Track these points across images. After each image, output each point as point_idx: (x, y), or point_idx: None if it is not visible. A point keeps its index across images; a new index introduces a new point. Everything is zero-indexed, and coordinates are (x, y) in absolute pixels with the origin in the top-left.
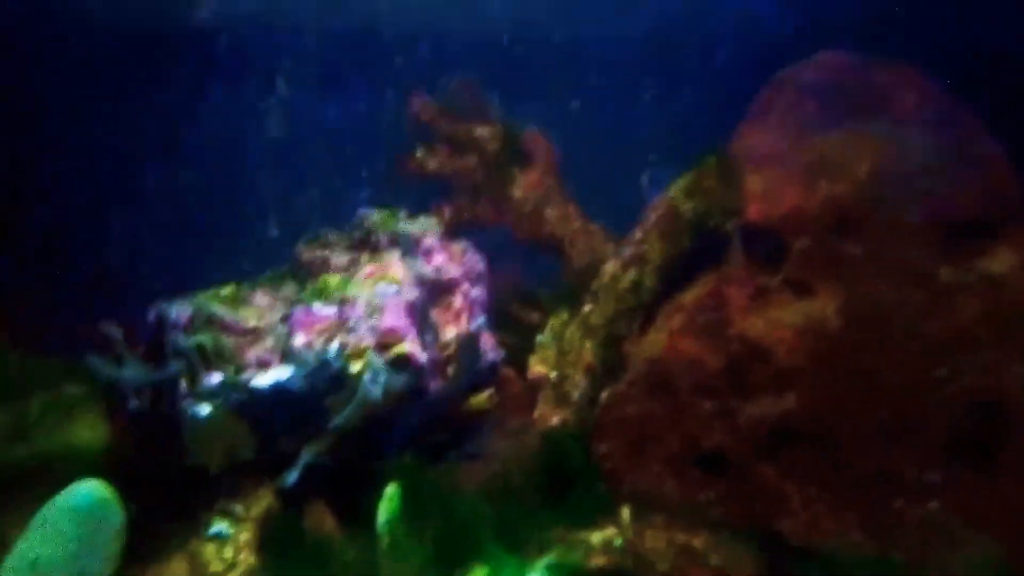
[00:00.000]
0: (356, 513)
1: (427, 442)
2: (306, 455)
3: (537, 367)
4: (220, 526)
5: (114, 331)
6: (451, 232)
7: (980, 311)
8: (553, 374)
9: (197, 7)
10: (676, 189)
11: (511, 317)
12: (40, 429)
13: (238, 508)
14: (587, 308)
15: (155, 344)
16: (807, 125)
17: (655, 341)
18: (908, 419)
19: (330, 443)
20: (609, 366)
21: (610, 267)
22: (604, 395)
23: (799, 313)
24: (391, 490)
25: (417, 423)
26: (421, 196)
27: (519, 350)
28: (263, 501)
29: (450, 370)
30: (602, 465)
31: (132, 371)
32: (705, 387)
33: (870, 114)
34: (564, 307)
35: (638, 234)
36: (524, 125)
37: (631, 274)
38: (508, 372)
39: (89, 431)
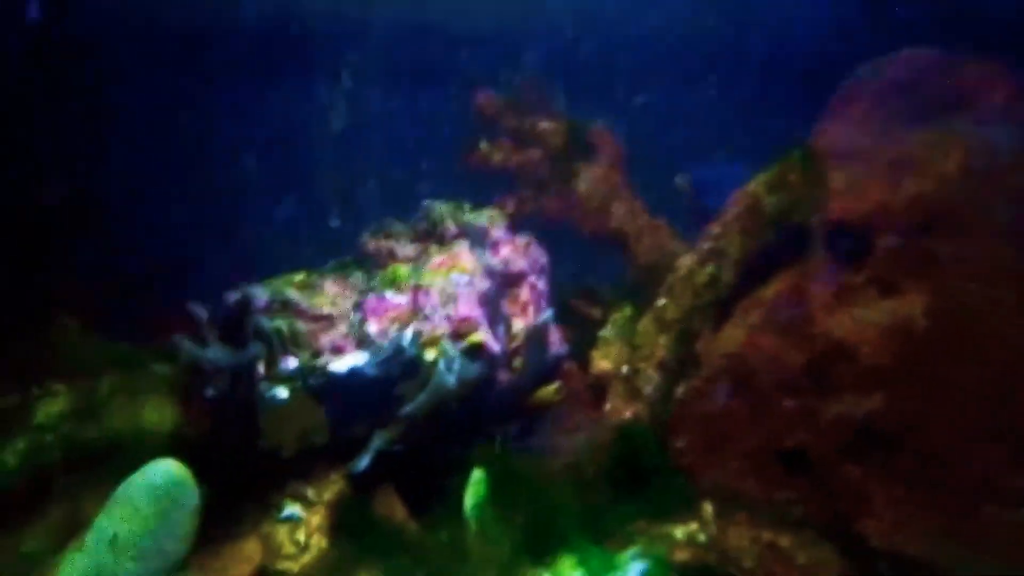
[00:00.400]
0: (426, 500)
1: (494, 432)
2: (377, 441)
3: (601, 362)
4: (292, 509)
5: (199, 311)
6: (514, 225)
7: None
8: (624, 368)
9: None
10: (758, 183)
11: (572, 311)
12: (109, 410)
13: (310, 492)
14: (661, 302)
15: (230, 328)
16: (891, 121)
17: (733, 337)
18: (999, 422)
19: (401, 429)
20: (684, 361)
21: (687, 261)
22: (680, 390)
23: (885, 312)
24: (478, 475)
25: (486, 413)
26: (480, 189)
27: (580, 344)
28: (335, 485)
29: (517, 362)
30: (679, 460)
31: (215, 352)
32: (786, 384)
33: (956, 111)
34: (627, 303)
35: (716, 228)
36: (589, 120)
37: (709, 268)
38: (571, 367)
39: (157, 413)
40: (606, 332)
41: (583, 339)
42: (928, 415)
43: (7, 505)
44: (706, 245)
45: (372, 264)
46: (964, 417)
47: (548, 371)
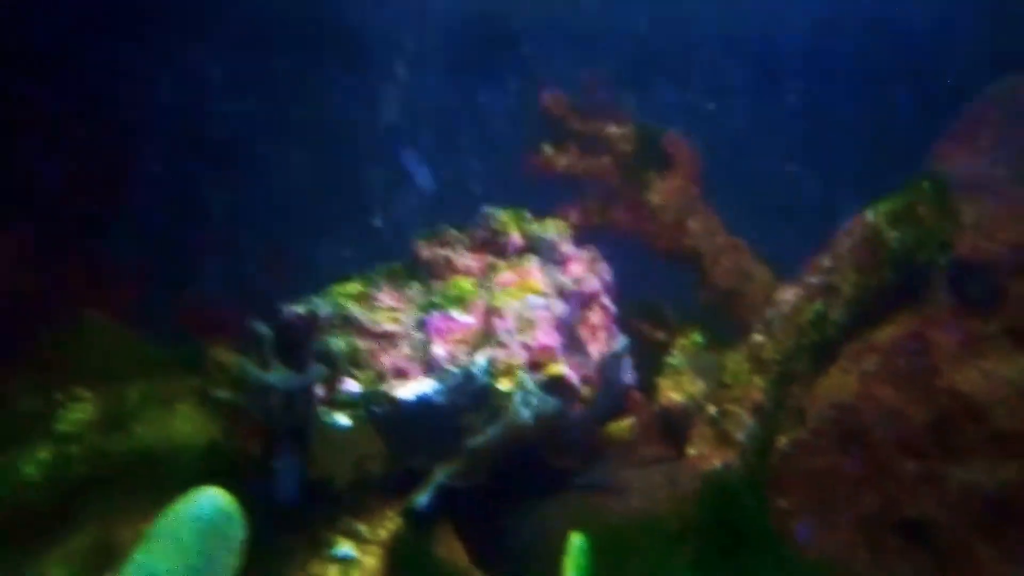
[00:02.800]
0: (488, 542)
1: (557, 467)
2: (440, 475)
3: (670, 393)
4: (345, 548)
5: (264, 330)
6: (577, 238)
7: None
8: (711, 409)
9: None
10: (879, 214)
11: (634, 332)
12: (139, 419)
13: (363, 528)
14: (758, 339)
15: (286, 341)
16: None
17: (842, 384)
18: None
19: (466, 464)
20: (783, 407)
21: (790, 296)
22: (784, 441)
23: (1020, 368)
24: (579, 542)
25: (554, 449)
26: (536, 196)
27: (642, 370)
28: (390, 523)
29: (586, 391)
30: (781, 523)
31: (281, 376)
32: (907, 443)
33: None
34: (696, 328)
35: (827, 261)
36: (663, 126)
37: (816, 306)
38: (636, 395)
39: (190, 423)
40: (674, 359)
41: (646, 364)
42: None
43: (27, 523)
44: (814, 279)
45: (426, 273)
46: None
47: (618, 402)
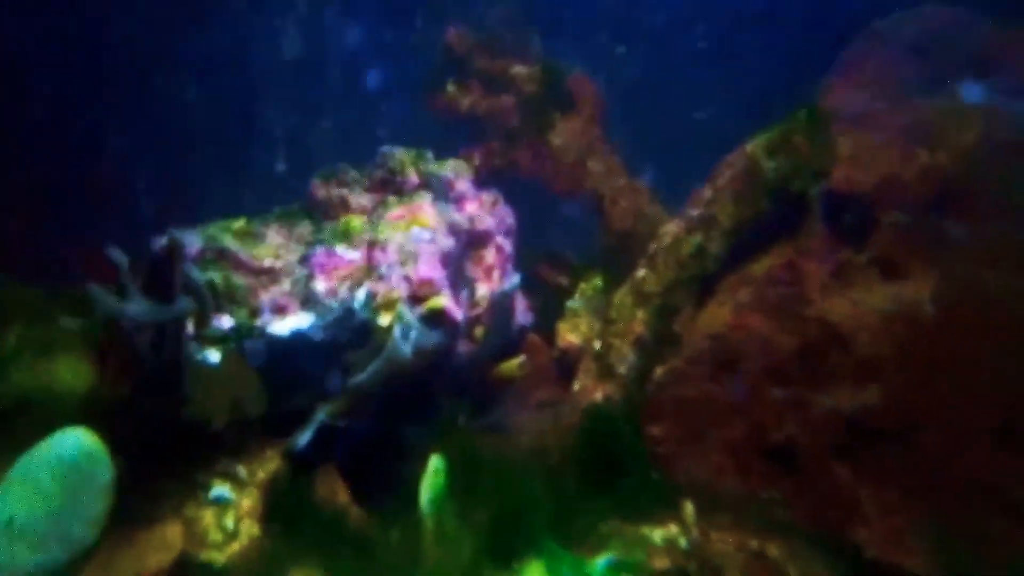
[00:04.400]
0: (372, 484)
1: (450, 408)
2: (320, 415)
3: (569, 336)
4: (221, 490)
5: (119, 257)
6: (480, 179)
7: None
8: (596, 344)
9: None
10: (756, 145)
11: (537, 277)
12: (17, 365)
13: (241, 470)
14: (641, 273)
15: (156, 277)
16: (906, 84)
17: (718, 315)
18: (1012, 424)
19: (348, 403)
20: (663, 339)
21: (671, 228)
22: (659, 371)
23: (888, 297)
24: (437, 463)
25: (442, 386)
26: (443, 136)
27: (545, 314)
28: (269, 464)
29: (479, 331)
30: (655, 449)
31: (138, 306)
32: (776, 371)
33: (976, 77)
34: (598, 272)
35: (707, 192)
36: (568, 66)
37: (696, 238)
38: (535, 339)
39: (71, 371)
40: (574, 303)
41: (548, 308)
42: (931, 413)
43: None
44: (694, 212)
45: (322, 214)
46: (972, 417)
47: (511, 343)
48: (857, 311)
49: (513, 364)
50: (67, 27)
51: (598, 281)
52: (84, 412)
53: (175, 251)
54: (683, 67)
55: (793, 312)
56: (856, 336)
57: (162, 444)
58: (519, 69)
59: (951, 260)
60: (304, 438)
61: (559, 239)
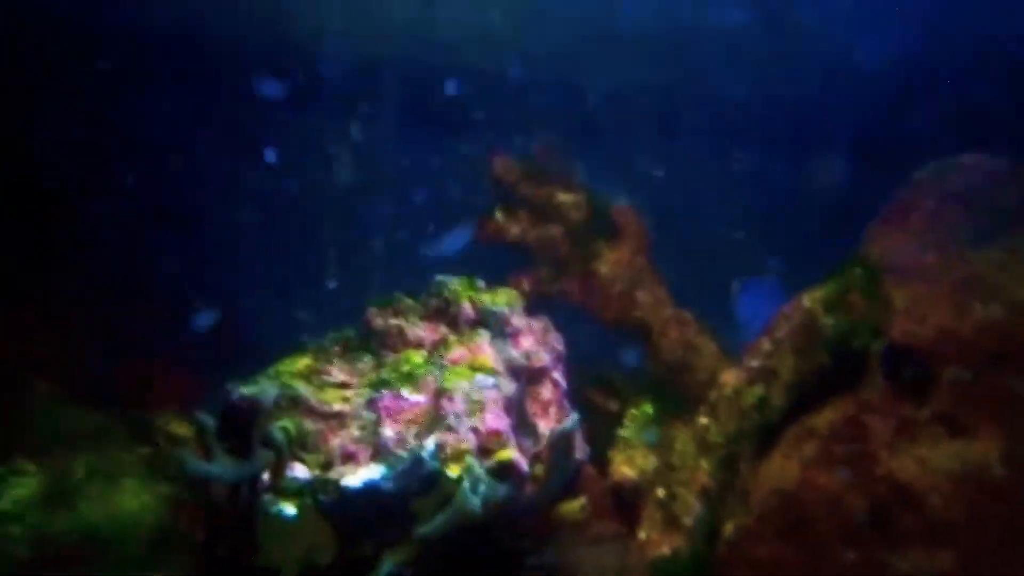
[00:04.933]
0: None
1: (508, 549)
2: (387, 564)
3: (623, 468)
4: None
5: (207, 421)
6: (530, 306)
7: None
8: (660, 492)
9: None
10: (814, 299)
11: (586, 402)
12: (85, 496)
13: None
14: (703, 421)
15: (232, 425)
16: (956, 234)
17: (785, 470)
18: None
19: (415, 551)
20: (729, 491)
21: (732, 378)
22: (729, 529)
23: (955, 456)
24: None
25: (504, 531)
26: (492, 258)
27: (595, 440)
28: None
29: (538, 469)
30: None
31: (223, 467)
32: (848, 533)
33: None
34: (647, 398)
35: (766, 345)
36: (613, 196)
37: (757, 389)
38: (589, 470)
39: (136, 500)
40: (626, 432)
41: (598, 433)
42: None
43: None
44: (754, 363)
45: (379, 343)
46: None
47: (570, 480)
48: (926, 470)
49: (574, 507)
50: (129, 160)
51: (648, 408)
52: (153, 547)
53: (256, 409)
54: (720, 188)
55: (861, 469)
56: (927, 497)
57: None
58: (565, 197)
59: (1017, 418)
60: None
61: (608, 361)
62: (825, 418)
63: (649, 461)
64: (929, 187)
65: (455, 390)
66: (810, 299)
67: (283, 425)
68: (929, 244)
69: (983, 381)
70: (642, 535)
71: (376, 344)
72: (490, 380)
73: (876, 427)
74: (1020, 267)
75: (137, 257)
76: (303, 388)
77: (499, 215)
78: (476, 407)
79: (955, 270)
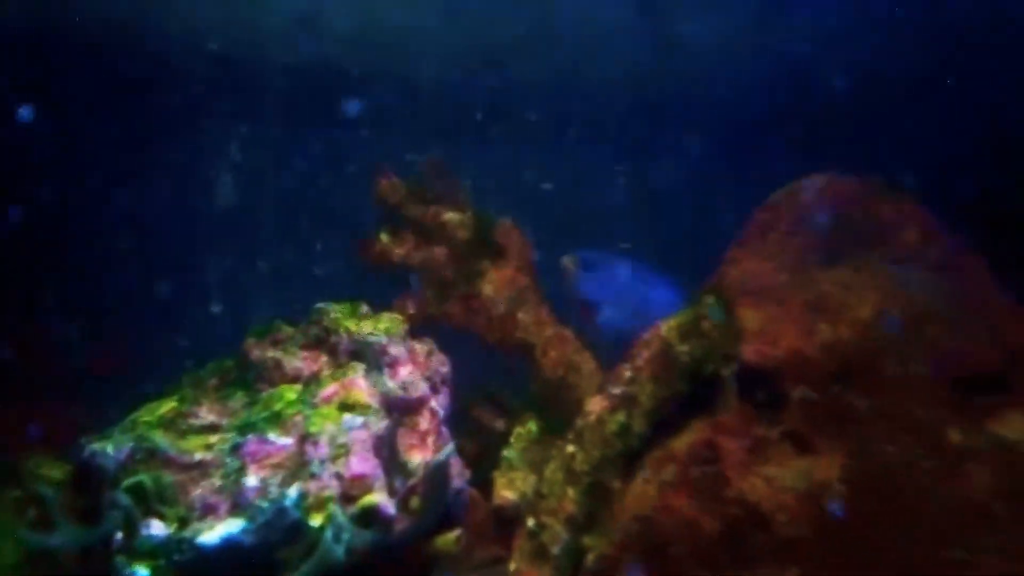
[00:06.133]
0: None
1: None
2: None
3: (504, 491)
4: None
5: (47, 492)
6: (415, 328)
7: (993, 482)
8: (530, 522)
9: None
10: (670, 328)
11: (473, 420)
12: None
13: None
14: (570, 449)
15: (84, 481)
16: (807, 255)
17: (644, 494)
18: None
19: None
20: (594, 518)
21: (596, 406)
22: (591, 558)
23: (801, 475)
24: None
25: (377, 569)
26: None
27: (481, 462)
28: None
29: (413, 502)
30: None
31: (63, 536)
32: (703, 555)
33: (871, 247)
34: (531, 416)
35: (627, 372)
36: (497, 214)
37: (619, 416)
38: (471, 493)
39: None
40: (509, 453)
41: (485, 454)
42: None
43: None
44: (616, 390)
45: (255, 376)
46: None
47: (447, 508)
48: (773, 489)
49: (449, 539)
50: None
51: (532, 425)
52: None
53: (97, 476)
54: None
55: (714, 491)
56: (774, 516)
57: None
58: (451, 216)
59: (856, 436)
60: None
61: (497, 379)
62: (683, 442)
63: (529, 483)
64: (783, 209)
65: (320, 434)
66: (666, 328)
67: (137, 481)
68: (783, 266)
69: (828, 399)
70: (512, 566)
71: (253, 377)
72: (358, 420)
73: (730, 448)
74: (864, 286)
75: (7, 288)
76: (161, 439)
77: (383, 237)
78: (341, 451)
79: (805, 291)
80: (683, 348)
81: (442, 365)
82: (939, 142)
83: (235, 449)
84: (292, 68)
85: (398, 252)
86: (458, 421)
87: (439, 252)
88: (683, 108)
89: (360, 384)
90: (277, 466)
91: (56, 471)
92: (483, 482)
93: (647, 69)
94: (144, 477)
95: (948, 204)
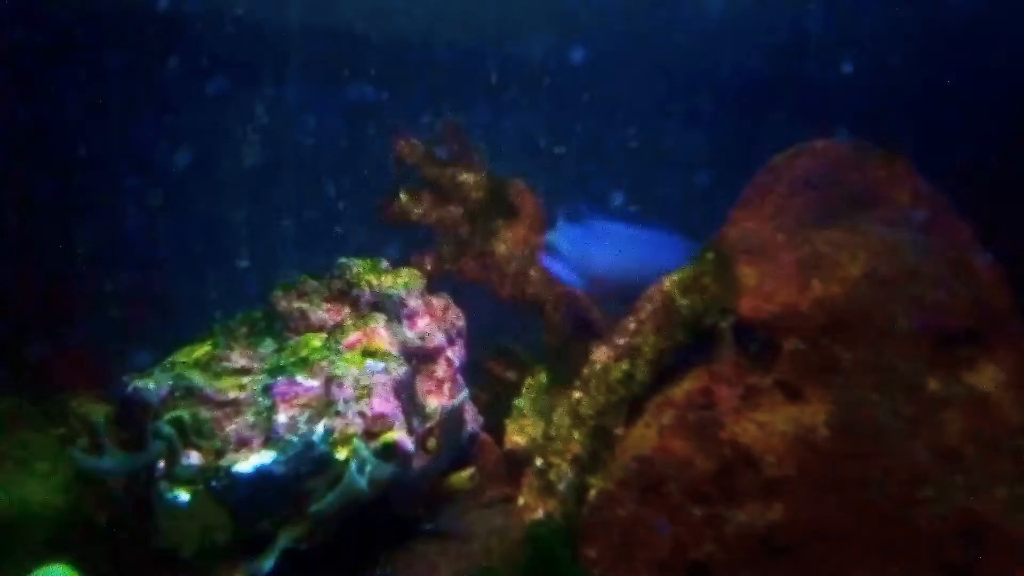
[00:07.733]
0: None
1: (402, 516)
2: (283, 540)
3: (515, 437)
4: None
5: (96, 421)
6: (432, 284)
7: (965, 427)
8: (538, 461)
9: None
10: (672, 283)
11: (487, 372)
12: None
13: None
14: (576, 395)
15: (128, 415)
16: (803, 215)
17: (644, 437)
18: (894, 540)
19: (308, 528)
20: (597, 458)
21: (601, 355)
22: (593, 494)
23: (790, 420)
24: None
25: (396, 502)
26: (403, 234)
27: (494, 409)
28: None
29: (431, 443)
30: (591, 571)
31: (111, 461)
32: (696, 492)
33: (864, 208)
34: (542, 367)
35: (631, 324)
36: (510, 175)
37: (623, 365)
38: (485, 439)
39: (44, 486)
40: (520, 401)
41: (498, 403)
42: (825, 529)
43: None
44: (620, 340)
45: (282, 326)
46: (860, 533)
47: (463, 451)
48: (764, 433)
49: (463, 476)
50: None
51: (543, 377)
52: (60, 534)
53: (142, 408)
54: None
55: (709, 434)
56: (764, 457)
57: (137, 570)
58: (466, 177)
59: (842, 385)
60: (267, 564)
61: (511, 333)
62: (682, 389)
63: (538, 429)
64: (782, 172)
65: (345, 376)
66: (669, 282)
67: (176, 415)
68: (780, 226)
69: (816, 351)
70: (520, 501)
71: (280, 327)
72: (380, 365)
73: (725, 395)
74: (855, 245)
75: (44, 240)
76: (198, 378)
77: (403, 197)
78: (364, 392)
79: (800, 250)
80: (684, 302)
81: (458, 319)
82: (939, 113)
83: (266, 389)
84: (314, 30)
85: (416, 211)
86: (473, 372)
87: (455, 211)
88: (696, 72)
89: (381, 333)
90: (305, 405)
91: (99, 409)
92: (495, 428)
93: (661, 35)
94: (183, 412)
95: (941, 171)
